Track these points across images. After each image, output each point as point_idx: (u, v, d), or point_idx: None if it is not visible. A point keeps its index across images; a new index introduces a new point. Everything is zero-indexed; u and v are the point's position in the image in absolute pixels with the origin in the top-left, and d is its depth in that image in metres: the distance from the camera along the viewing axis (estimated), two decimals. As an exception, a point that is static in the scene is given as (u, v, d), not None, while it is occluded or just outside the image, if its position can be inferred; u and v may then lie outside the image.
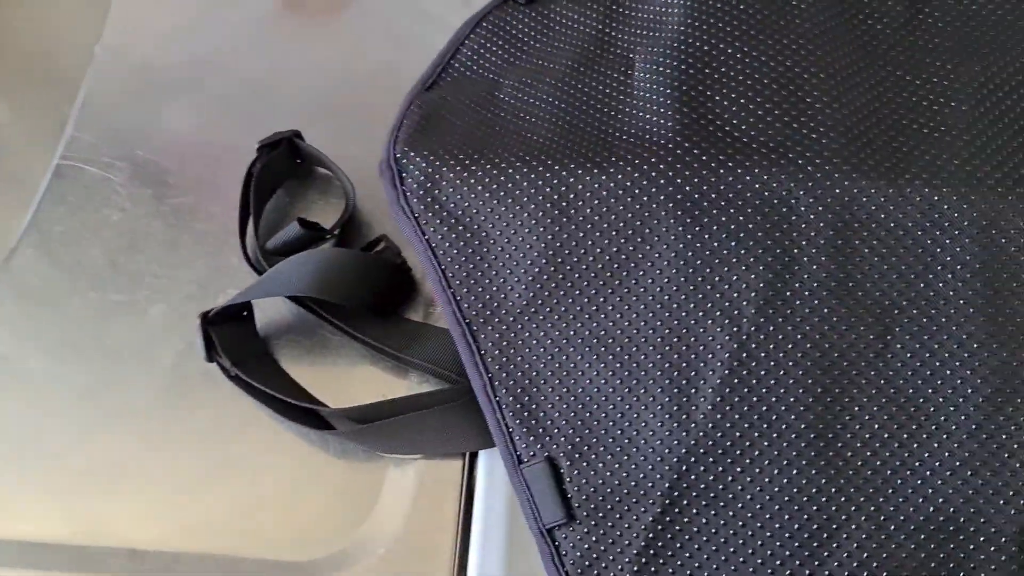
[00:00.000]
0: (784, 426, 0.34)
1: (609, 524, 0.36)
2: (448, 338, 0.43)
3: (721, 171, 0.38)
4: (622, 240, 0.38)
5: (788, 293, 0.36)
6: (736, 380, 0.35)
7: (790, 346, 0.35)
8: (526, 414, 0.38)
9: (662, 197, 0.38)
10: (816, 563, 0.34)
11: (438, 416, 0.41)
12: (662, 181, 0.38)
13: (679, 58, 0.41)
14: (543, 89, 0.44)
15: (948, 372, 0.35)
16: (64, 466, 0.43)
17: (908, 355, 0.35)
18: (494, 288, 0.39)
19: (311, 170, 0.50)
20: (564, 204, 0.39)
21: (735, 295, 0.36)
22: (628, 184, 0.38)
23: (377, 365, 0.44)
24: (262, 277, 0.42)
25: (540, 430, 0.37)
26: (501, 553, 0.39)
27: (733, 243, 0.37)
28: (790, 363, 0.35)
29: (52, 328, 0.46)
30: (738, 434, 0.35)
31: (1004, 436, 0.34)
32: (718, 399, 0.35)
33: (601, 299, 0.38)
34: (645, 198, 0.38)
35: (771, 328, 0.35)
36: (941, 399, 0.34)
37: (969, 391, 0.34)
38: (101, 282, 0.47)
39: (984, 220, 0.36)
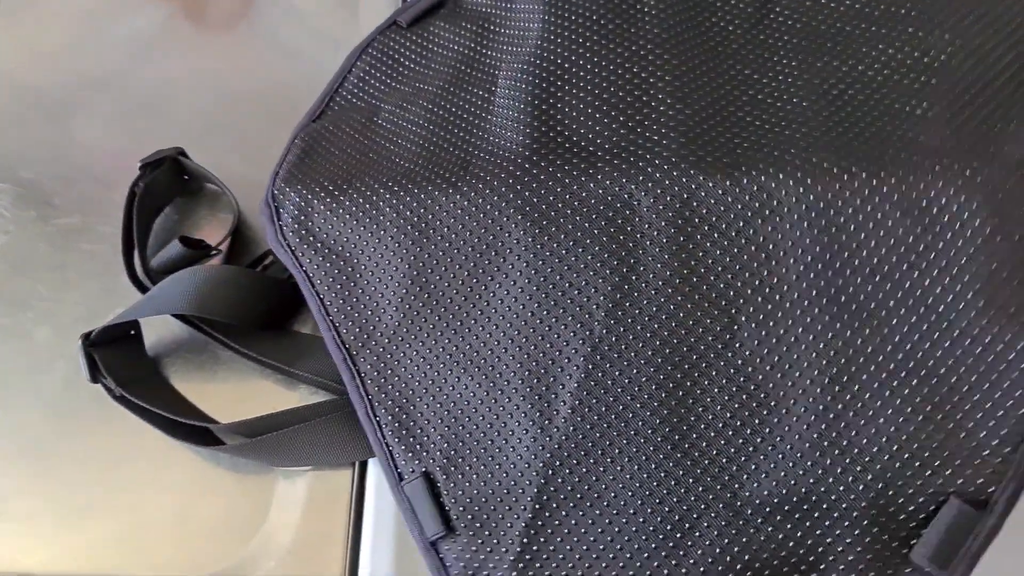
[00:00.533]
0: (640, 423, 0.36)
1: (486, 533, 0.37)
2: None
3: (566, 180, 0.39)
4: (477, 255, 0.39)
5: (635, 293, 0.37)
6: (592, 383, 0.37)
7: (640, 344, 0.37)
8: (404, 432, 0.39)
9: (511, 210, 0.39)
10: (680, 553, 0.35)
11: (325, 427, 0.41)
12: (511, 195, 0.39)
13: (534, 72, 0.43)
14: (416, 112, 0.45)
15: (794, 356, 0.36)
16: (-51, 495, 0.43)
17: (755, 343, 0.36)
18: (368, 312, 0.40)
19: (201, 186, 0.50)
20: (424, 225, 0.40)
21: (585, 299, 0.38)
22: (480, 201, 0.39)
23: (267, 379, 0.45)
24: (145, 296, 0.43)
25: (417, 446, 0.39)
26: (391, 561, 0.40)
27: (580, 249, 0.38)
28: (641, 361, 0.37)
29: (-66, 355, 0.46)
30: (597, 435, 0.36)
31: (850, 415, 0.36)
32: (576, 402, 0.37)
33: (464, 314, 0.39)
34: (496, 213, 0.39)
35: (621, 329, 0.37)
36: (789, 384, 0.36)
37: (815, 373, 0.36)
38: (-15, 306, 0.47)
39: (820, 204, 0.37)
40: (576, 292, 0.38)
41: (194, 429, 0.43)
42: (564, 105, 0.41)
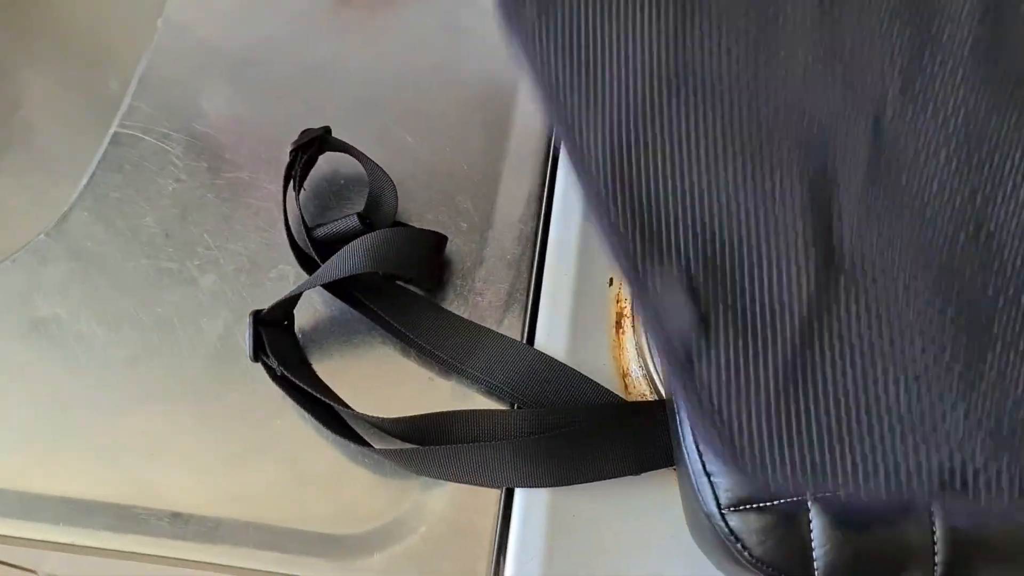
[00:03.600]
0: (939, 203, 0.32)
1: (750, 335, 0.32)
2: (513, 350, 0.43)
3: None
4: (754, 27, 0.35)
5: (930, 68, 0.34)
6: (879, 170, 0.33)
7: (931, 129, 0.34)
8: (651, 232, 0.33)
9: None
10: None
11: (500, 449, 0.40)
12: None
13: None
14: None
15: None
16: (111, 429, 0.43)
17: None
18: (617, 107, 0.35)
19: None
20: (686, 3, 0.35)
21: (873, 78, 0.34)
22: None
23: (418, 376, 0.44)
24: (325, 265, 0.43)
25: (666, 243, 0.33)
26: (542, 535, 0.40)
27: (873, 20, 0.35)
28: (932, 145, 0.33)
29: (104, 292, 0.47)
30: (893, 213, 0.32)
31: None
32: (862, 191, 0.33)
33: (736, 91, 0.34)
34: None
35: (913, 105, 0.34)
36: None
37: None
38: (154, 249, 0.48)
39: None
40: (866, 70, 0.34)
41: (345, 425, 0.43)
42: None
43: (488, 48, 0.51)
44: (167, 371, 0.45)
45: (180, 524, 0.41)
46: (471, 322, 0.45)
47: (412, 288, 0.46)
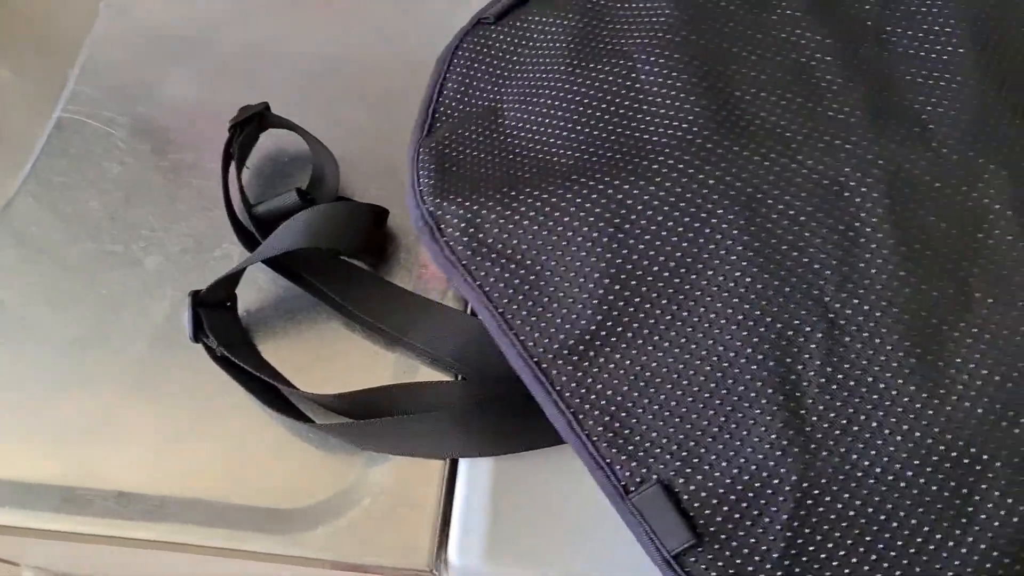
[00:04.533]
0: (895, 392, 0.34)
1: (741, 533, 0.34)
2: (456, 321, 0.43)
3: (766, 163, 0.38)
4: (685, 244, 0.37)
5: (862, 265, 0.36)
6: (835, 358, 0.35)
7: (878, 314, 0.35)
8: (622, 441, 0.36)
9: (716, 195, 0.37)
10: (958, 531, 0.33)
11: (440, 419, 0.40)
12: (711, 180, 0.38)
13: (685, 51, 0.41)
14: (546, 102, 0.43)
15: None
16: (55, 410, 0.43)
17: (990, 301, 0.35)
18: (558, 320, 0.38)
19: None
20: (618, 220, 0.38)
21: (811, 276, 0.36)
22: (679, 189, 0.38)
23: (362, 348, 0.44)
24: (264, 242, 0.43)
25: (641, 454, 0.35)
26: (486, 505, 0.40)
27: (797, 227, 0.37)
28: (883, 330, 0.35)
29: (49, 275, 0.47)
30: (851, 410, 0.34)
31: None
32: (823, 380, 0.35)
33: (675, 307, 0.37)
34: (699, 199, 0.37)
35: (855, 301, 0.35)
36: None
37: None
38: (98, 233, 0.48)
39: (1016, 170, 0.37)
40: (800, 269, 0.36)
41: (289, 402, 0.43)
42: (732, 88, 0.40)
43: (433, 21, 0.51)
44: (112, 352, 0.45)
45: (125, 503, 0.41)
46: (414, 294, 0.44)
47: (356, 262, 0.46)
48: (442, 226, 0.40)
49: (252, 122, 0.47)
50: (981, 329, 0.35)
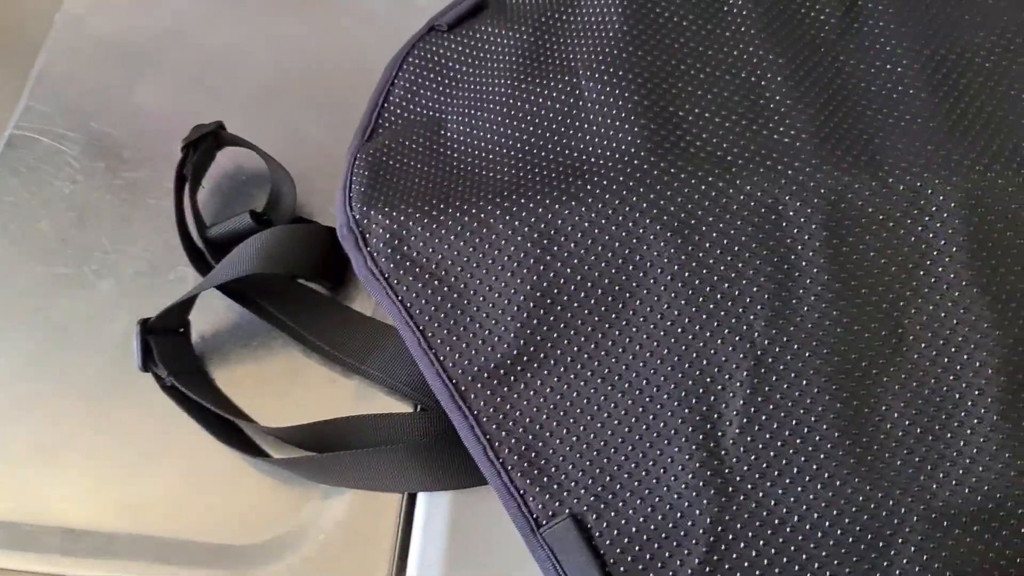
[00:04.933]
0: (817, 437, 0.33)
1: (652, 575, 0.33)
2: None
3: (702, 187, 0.36)
4: (613, 270, 0.36)
5: (794, 300, 0.35)
6: (759, 398, 0.34)
7: (807, 354, 0.34)
8: (536, 472, 0.34)
9: (648, 220, 0.36)
10: (879, 572, 0.32)
11: (398, 453, 0.38)
12: (644, 204, 0.36)
13: (629, 69, 0.40)
14: (490, 117, 0.42)
15: (965, 358, 0.34)
16: (2, 440, 0.42)
17: (923, 346, 0.34)
18: (479, 342, 0.36)
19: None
20: (546, 242, 0.37)
21: (741, 310, 0.35)
22: (610, 212, 0.36)
23: (323, 378, 0.43)
24: (217, 267, 0.41)
25: (556, 486, 0.34)
26: (443, 540, 0.38)
27: (730, 257, 0.35)
28: (810, 371, 0.34)
29: (-3, 300, 0.45)
30: (772, 454, 0.33)
31: None
32: (744, 421, 0.34)
33: (600, 335, 0.36)
34: (630, 224, 0.36)
35: (784, 339, 0.34)
36: (964, 385, 0.34)
37: (989, 372, 0.33)
38: (49, 255, 0.46)
39: (971, 200, 0.36)
40: (730, 303, 0.35)
41: (240, 434, 0.41)
42: (675, 108, 0.39)
43: (394, 35, 0.49)
44: (60, 380, 0.43)
45: (72, 540, 0.40)
46: (374, 320, 0.43)
47: (313, 286, 0.44)
48: (367, 235, 0.39)
49: (205, 141, 0.45)
50: (909, 376, 0.34)
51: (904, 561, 0.31)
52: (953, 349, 0.34)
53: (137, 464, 0.41)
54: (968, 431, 0.33)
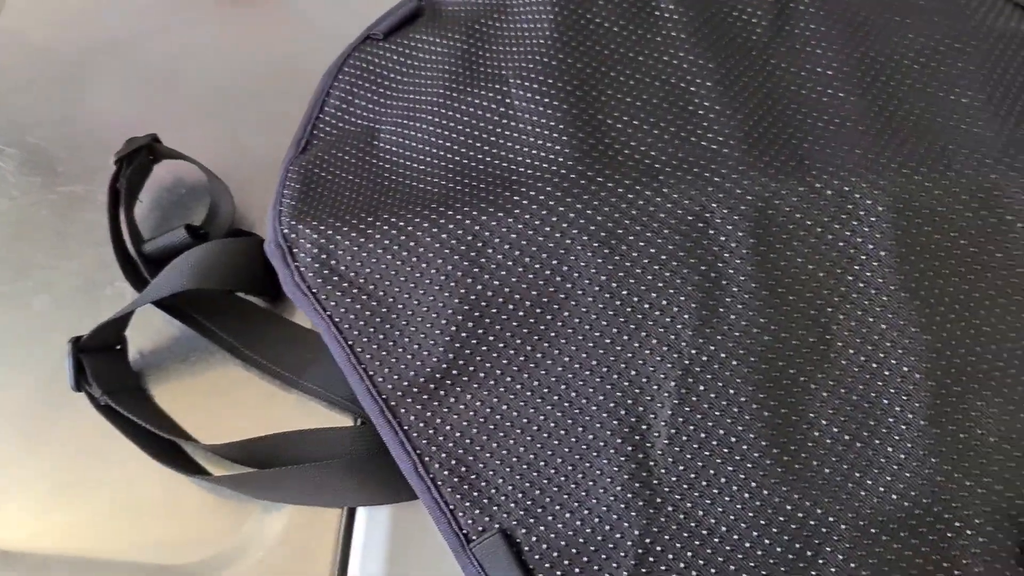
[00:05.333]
0: (745, 447, 0.33)
1: None
2: None
3: (630, 196, 0.36)
4: (542, 282, 0.36)
5: (721, 309, 0.35)
6: (687, 408, 0.34)
7: (734, 363, 0.34)
8: (467, 487, 0.34)
9: (575, 231, 0.36)
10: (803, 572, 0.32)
11: (337, 468, 0.38)
12: (572, 215, 0.36)
13: (558, 77, 0.40)
14: (422, 127, 0.41)
15: (893, 363, 0.34)
16: (-65, 464, 0.41)
17: (851, 352, 0.34)
18: (408, 356, 0.36)
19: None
20: (474, 254, 0.36)
21: (669, 320, 0.35)
22: (538, 223, 0.36)
23: (263, 392, 0.42)
24: (151, 284, 0.41)
25: (485, 501, 0.34)
26: (384, 553, 0.38)
27: (657, 267, 0.35)
28: (737, 380, 0.34)
29: (-71, 320, 0.44)
30: (700, 464, 0.33)
31: (959, 414, 0.33)
32: (673, 431, 0.33)
33: (529, 348, 0.35)
34: (558, 235, 0.36)
35: (712, 348, 0.34)
36: (892, 390, 0.34)
37: (917, 377, 0.34)
38: (-16, 273, 0.46)
39: (898, 204, 0.36)
40: (658, 313, 0.35)
41: (177, 452, 0.41)
42: (604, 116, 0.39)
43: (337, 42, 0.48)
44: (-6, 401, 0.43)
45: (7, 563, 0.39)
46: (313, 332, 0.42)
47: (252, 299, 0.44)
48: (295, 250, 0.38)
49: (139, 155, 0.44)
50: (837, 382, 0.34)
51: (832, 569, 0.31)
52: (881, 354, 0.34)
53: (73, 485, 0.41)
54: (896, 437, 0.33)
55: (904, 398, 0.33)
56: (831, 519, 0.32)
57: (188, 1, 0.54)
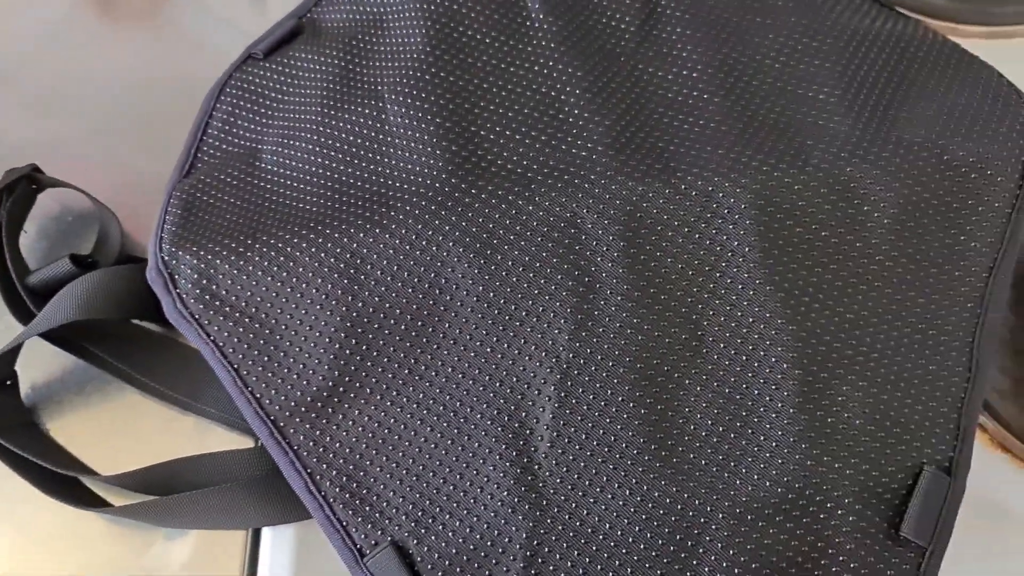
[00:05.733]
0: (624, 445, 0.34)
1: None
2: None
3: (502, 205, 0.37)
4: (420, 296, 0.37)
5: (596, 312, 0.36)
6: (567, 411, 0.35)
7: (610, 364, 0.35)
8: (358, 502, 0.35)
9: (451, 243, 0.37)
10: (690, 572, 0.33)
11: (237, 491, 0.38)
12: (447, 227, 0.37)
13: (430, 91, 0.40)
14: (302, 146, 0.41)
15: (762, 354, 0.35)
16: None
17: (721, 346, 0.36)
18: (294, 377, 0.36)
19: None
20: (352, 272, 0.37)
21: (546, 325, 0.36)
22: (414, 237, 0.37)
23: (157, 420, 0.42)
24: (38, 316, 0.40)
25: (376, 515, 0.35)
26: (288, 573, 0.38)
27: (532, 274, 0.36)
28: (614, 381, 0.35)
29: None
30: (582, 464, 0.34)
31: (826, 400, 0.35)
32: (554, 435, 0.34)
33: (412, 361, 0.36)
34: (434, 248, 0.37)
35: (588, 351, 0.35)
36: (762, 381, 0.35)
37: (785, 367, 0.35)
38: None
39: (760, 200, 0.37)
40: (535, 319, 0.36)
41: (76, 486, 0.40)
42: (477, 128, 0.39)
43: (224, 63, 0.48)
44: None
45: (-99, 611, 0.38)
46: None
47: (146, 325, 0.44)
48: (176, 276, 0.38)
49: (19, 185, 0.44)
50: (710, 376, 0.35)
51: (712, 558, 0.33)
52: (750, 347, 0.36)
53: (-30, 523, 0.40)
54: (767, 425, 0.35)
55: (773, 388, 0.35)
56: (709, 509, 0.33)
57: (70, 23, 0.53)
